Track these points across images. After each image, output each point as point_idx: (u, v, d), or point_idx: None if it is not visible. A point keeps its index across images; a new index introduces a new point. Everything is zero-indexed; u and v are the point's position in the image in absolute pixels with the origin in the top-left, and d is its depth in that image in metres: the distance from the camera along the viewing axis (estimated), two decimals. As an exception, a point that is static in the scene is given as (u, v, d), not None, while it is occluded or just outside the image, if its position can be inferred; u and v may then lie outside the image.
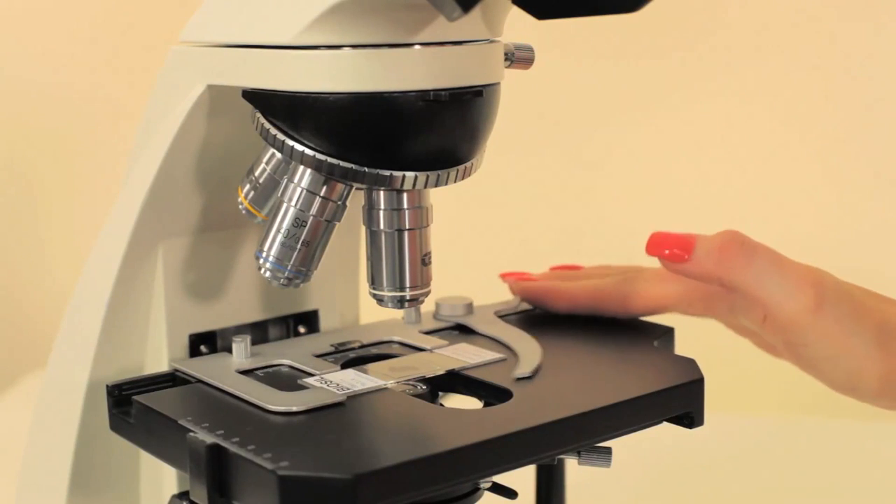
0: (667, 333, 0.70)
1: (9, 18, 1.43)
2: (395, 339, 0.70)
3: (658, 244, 0.66)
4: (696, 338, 0.74)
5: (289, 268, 0.61)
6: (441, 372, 0.63)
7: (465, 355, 0.66)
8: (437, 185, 0.59)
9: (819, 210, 1.21)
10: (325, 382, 0.62)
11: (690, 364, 0.63)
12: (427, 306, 0.67)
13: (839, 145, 1.20)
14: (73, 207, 1.45)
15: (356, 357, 0.67)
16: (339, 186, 0.61)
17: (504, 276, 0.76)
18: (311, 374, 0.63)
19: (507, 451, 0.54)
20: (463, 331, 0.71)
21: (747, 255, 0.63)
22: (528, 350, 0.66)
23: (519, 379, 0.61)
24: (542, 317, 0.74)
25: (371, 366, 0.65)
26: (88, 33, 1.42)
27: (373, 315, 0.73)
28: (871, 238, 1.18)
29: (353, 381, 0.62)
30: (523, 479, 0.67)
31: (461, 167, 0.60)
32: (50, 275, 1.45)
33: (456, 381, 0.63)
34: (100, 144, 1.42)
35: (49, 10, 1.42)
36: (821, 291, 0.62)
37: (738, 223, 0.69)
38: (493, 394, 0.61)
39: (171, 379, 0.64)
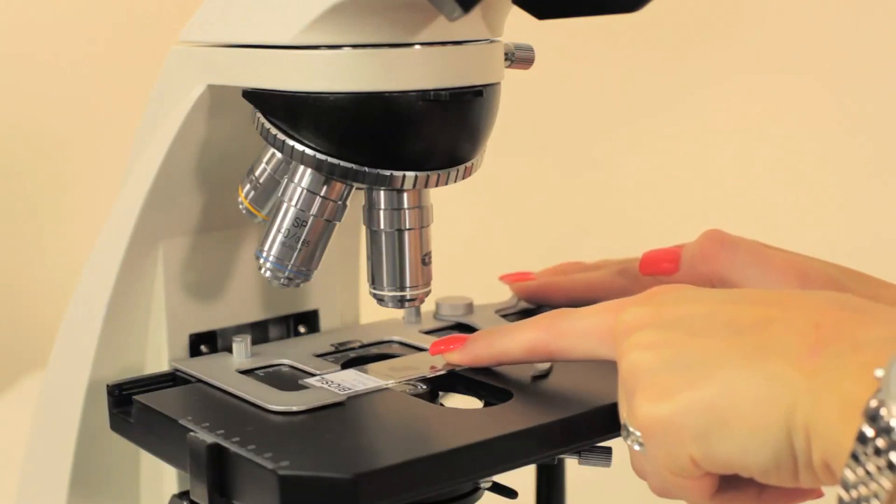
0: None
1: (8, 18, 1.43)
2: (395, 338, 0.70)
3: (650, 263, 0.68)
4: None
5: (289, 267, 0.61)
6: (441, 372, 0.63)
7: (465, 355, 0.66)
8: (437, 184, 0.59)
9: (823, 210, 1.21)
10: (326, 382, 0.62)
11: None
12: (427, 306, 0.67)
13: (847, 145, 1.20)
14: (73, 207, 1.45)
15: (356, 357, 0.67)
16: (340, 186, 0.61)
17: (503, 278, 0.76)
18: (311, 374, 0.63)
19: (507, 451, 0.54)
20: (464, 330, 0.71)
21: (729, 251, 0.64)
22: None
23: (535, 377, 0.61)
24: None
25: (371, 366, 0.65)
26: (88, 33, 1.42)
27: (373, 315, 0.73)
28: (873, 235, 1.18)
29: (354, 380, 0.62)
30: (523, 479, 0.67)
31: (461, 167, 0.60)
32: (50, 275, 1.45)
33: (456, 381, 0.63)
34: (100, 144, 1.42)
35: (48, 10, 1.42)
36: (804, 280, 0.62)
37: (740, 224, 0.69)
38: (493, 394, 0.61)
39: (172, 379, 0.64)
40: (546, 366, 0.62)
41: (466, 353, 0.62)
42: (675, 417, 0.47)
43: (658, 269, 0.67)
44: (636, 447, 0.50)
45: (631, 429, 0.50)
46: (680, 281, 0.66)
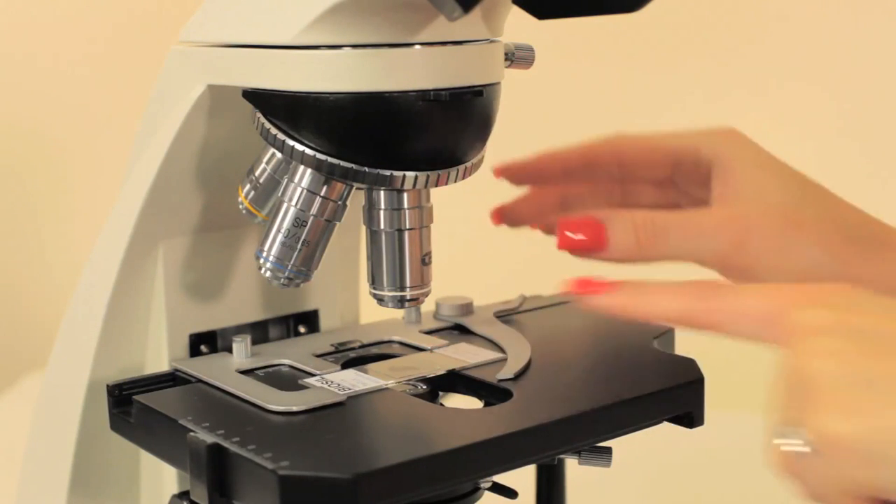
0: (666, 333, 0.70)
1: (8, 18, 1.43)
2: (396, 338, 0.70)
3: (566, 232, 0.65)
4: (696, 337, 0.74)
5: (289, 267, 0.61)
6: (441, 372, 0.63)
7: (465, 355, 0.66)
8: (437, 184, 0.59)
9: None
10: (326, 382, 0.62)
11: (690, 364, 0.63)
12: (427, 306, 0.67)
13: (846, 145, 1.20)
14: (73, 207, 1.45)
15: (356, 357, 0.67)
16: (340, 186, 0.61)
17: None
18: (311, 374, 0.63)
19: (507, 451, 0.54)
20: (460, 331, 0.71)
21: (659, 235, 0.63)
22: (518, 352, 0.65)
23: (501, 380, 0.61)
24: (542, 317, 0.74)
25: (371, 366, 0.65)
26: (88, 33, 1.42)
27: (373, 315, 0.73)
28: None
29: (354, 381, 0.62)
30: (523, 479, 0.67)
31: (462, 167, 0.60)
32: (50, 275, 1.45)
33: (456, 381, 0.63)
34: (100, 144, 1.42)
35: (48, 10, 1.42)
36: (745, 225, 0.62)
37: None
38: (493, 394, 0.61)
39: (172, 379, 0.64)
40: (513, 374, 0.62)
41: (617, 301, 0.57)
42: (861, 439, 0.45)
43: (575, 245, 0.64)
44: (804, 449, 0.49)
45: (800, 432, 0.49)
46: (606, 258, 0.64)
